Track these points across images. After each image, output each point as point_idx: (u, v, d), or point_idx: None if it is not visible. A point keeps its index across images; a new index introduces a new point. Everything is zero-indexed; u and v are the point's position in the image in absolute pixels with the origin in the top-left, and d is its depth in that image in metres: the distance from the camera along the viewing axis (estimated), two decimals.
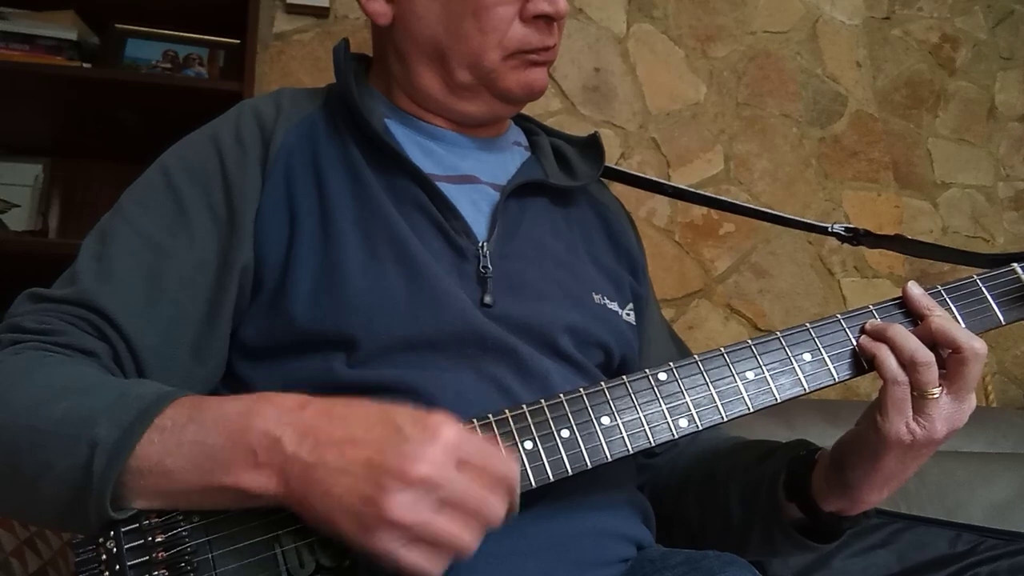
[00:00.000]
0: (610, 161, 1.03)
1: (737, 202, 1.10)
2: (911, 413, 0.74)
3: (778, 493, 0.83)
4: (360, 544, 0.57)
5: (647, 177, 1.09)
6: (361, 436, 0.59)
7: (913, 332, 0.76)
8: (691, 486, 0.93)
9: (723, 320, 2.22)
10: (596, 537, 0.77)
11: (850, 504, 0.79)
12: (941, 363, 0.75)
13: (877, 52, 2.50)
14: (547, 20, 0.86)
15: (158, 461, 0.61)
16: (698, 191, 1.11)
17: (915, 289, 0.79)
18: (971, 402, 0.75)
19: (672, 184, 1.10)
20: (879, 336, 0.76)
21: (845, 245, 2.31)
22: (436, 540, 0.57)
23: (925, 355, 0.74)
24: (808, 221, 1.07)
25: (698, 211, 2.25)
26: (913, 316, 0.79)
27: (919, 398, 0.74)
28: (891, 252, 2.38)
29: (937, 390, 0.74)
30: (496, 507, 0.59)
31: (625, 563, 0.79)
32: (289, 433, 0.60)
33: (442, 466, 0.57)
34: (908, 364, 0.74)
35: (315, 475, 0.58)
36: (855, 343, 0.78)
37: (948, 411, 0.74)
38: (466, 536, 0.58)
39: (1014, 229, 2.47)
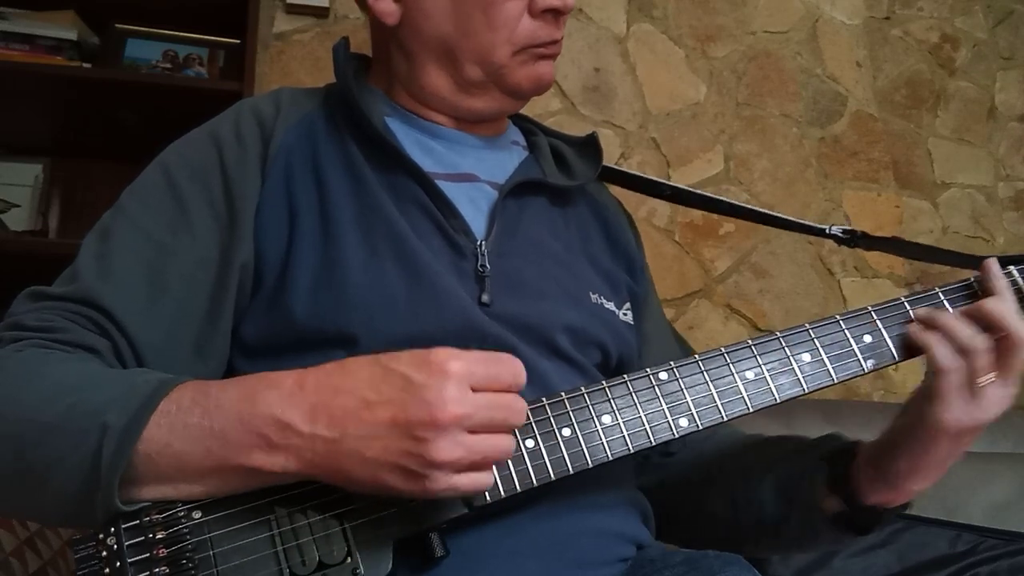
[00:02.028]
0: (610, 161, 1.03)
1: (735, 203, 1.10)
2: (966, 398, 0.75)
3: (816, 487, 0.84)
4: (416, 492, 0.60)
5: (646, 177, 1.09)
6: (372, 398, 0.60)
7: (965, 312, 0.77)
8: (718, 481, 0.93)
9: (723, 320, 2.22)
10: (596, 537, 0.77)
11: (895, 495, 0.80)
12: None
13: (877, 52, 2.50)
14: (555, 14, 0.86)
15: (166, 444, 0.61)
16: (696, 191, 1.10)
17: (995, 267, 0.80)
18: (1015, 386, 0.76)
19: (671, 184, 1.10)
20: (931, 324, 0.77)
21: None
22: (482, 459, 0.61)
23: (981, 340, 0.74)
24: (806, 223, 1.07)
25: (698, 211, 2.24)
26: (982, 292, 0.80)
27: (972, 384, 0.74)
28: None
29: (992, 375, 0.74)
30: (518, 408, 0.63)
31: (625, 562, 0.79)
32: (298, 415, 0.60)
33: (464, 399, 0.59)
34: (963, 350, 0.74)
35: (342, 448, 0.60)
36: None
37: (999, 395, 0.75)
38: (503, 443, 0.62)
39: (1014, 229, 2.47)
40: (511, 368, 0.63)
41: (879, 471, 0.80)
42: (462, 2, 0.84)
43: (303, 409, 0.61)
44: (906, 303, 0.81)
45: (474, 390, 0.60)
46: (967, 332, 0.75)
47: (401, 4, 0.88)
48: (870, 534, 0.84)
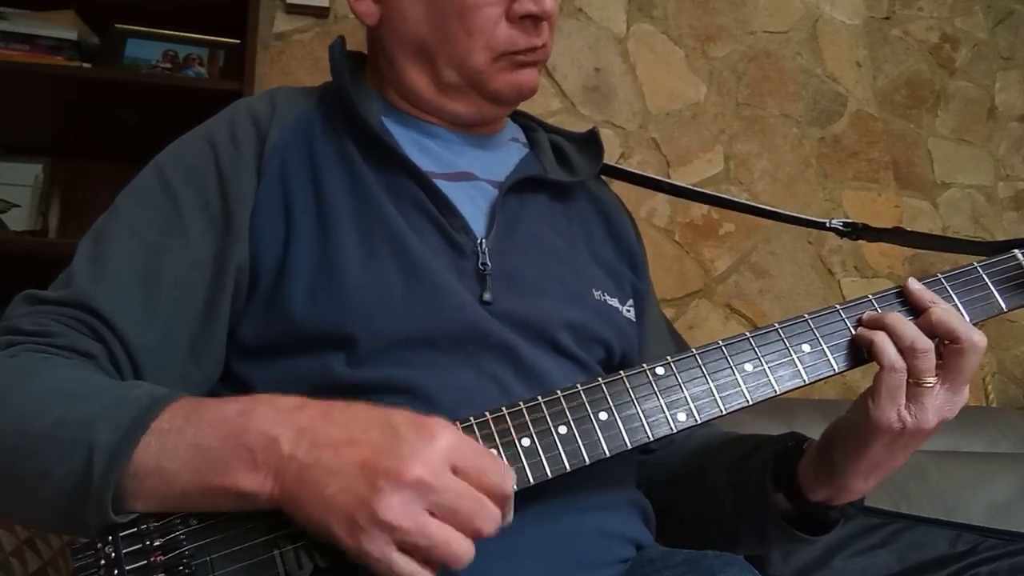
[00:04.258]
0: (610, 161, 1.03)
1: (734, 199, 1.11)
2: (904, 401, 0.74)
3: (766, 484, 0.83)
4: (352, 546, 0.57)
5: (645, 174, 1.09)
6: (358, 437, 0.59)
7: (913, 323, 0.76)
8: (682, 479, 0.92)
9: (723, 320, 2.22)
10: (596, 537, 0.77)
11: (836, 492, 0.79)
12: (938, 354, 0.75)
13: (877, 52, 2.50)
14: (534, 20, 0.85)
15: (156, 465, 0.61)
16: (695, 188, 1.11)
17: (915, 284, 0.79)
18: (964, 394, 0.75)
19: (670, 181, 1.10)
20: (877, 324, 0.76)
21: (845, 245, 2.31)
22: (428, 546, 0.56)
23: (925, 343, 0.73)
24: (806, 217, 1.07)
25: (698, 211, 2.25)
26: (913, 309, 0.79)
27: (914, 386, 0.74)
28: (891, 252, 2.38)
29: (933, 379, 0.74)
30: (491, 515, 0.59)
31: (625, 563, 0.79)
32: (287, 433, 0.59)
33: (437, 470, 0.57)
34: (907, 351, 0.74)
35: (309, 475, 0.58)
36: (853, 333, 0.78)
37: (941, 401, 0.74)
38: (458, 544, 0.57)
39: (1014, 229, 2.47)
40: (501, 470, 0.60)
41: (820, 467, 0.79)
42: (439, 7, 0.84)
43: (293, 429, 0.60)
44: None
45: (455, 472, 0.58)
46: (912, 332, 0.74)
47: (381, 5, 0.88)
48: (822, 534, 0.83)
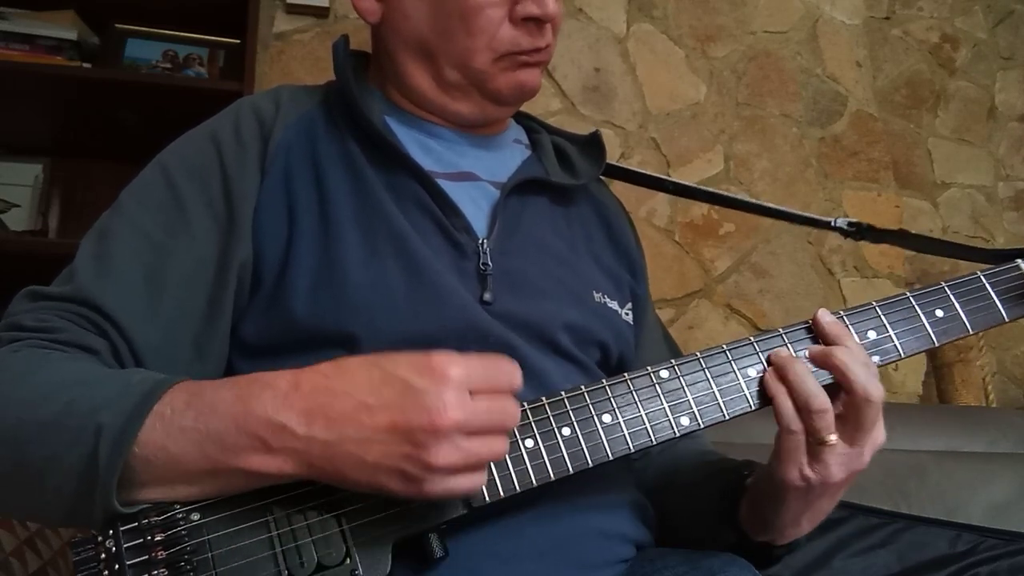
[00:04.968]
0: (610, 161, 1.03)
1: (739, 197, 1.10)
2: (805, 460, 0.72)
3: (715, 520, 0.83)
4: (415, 495, 0.60)
5: (647, 173, 1.09)
6: (372, 402, 0.60)
7: (812, 357, 0.74)
8: (652, 495, 0.92)
9: (723, 320, 2.22)
10: (597, 538, 0.77)
11: (775, 535, 0.79)
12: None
13: (877, 52, 2.50)
14: (538, 22, 0.85)
15: (161, 447, 0.61)
16: (699, 187, 1.11)
17: (826, 316, 0.76)
18: (874, 442, 0.73)
19: (672, 180, 1.10)
20: (781, 373, 0.73)
21: (845, 245, 2.31)
22: (478, 462, 0.61)
23: (820, 402, 0.70)
24: (811, 216, 1.07)
25: (698, 211, 2.25)
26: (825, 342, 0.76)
27: (815, 444, 0.71)
28: (891, 252, 2.38)
29: (834, 437, 0.71)
30: (514, 412, 0.63)
31: (625, 563, 0.79)
32: (293, 417, 0.60)
33: (462, 405, 0.59)
34: (803, 410, 0.71)
35: (340, 451, 0.59)
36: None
37: (845, 457, 0.72)
38: (498, 446, 0.62)
39: (1014, 229, 2.47)
40: (508, 370, 0.63)
41: (753, 514, 0.79)
42: (441, 6, 0.84)
43: (298, 411, 0.60)
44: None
45: (472, 394, 0.60)
46: (808, 390, 0.71)
47: (383, 3, 0.88)
48: (774, 565, 0.82)
